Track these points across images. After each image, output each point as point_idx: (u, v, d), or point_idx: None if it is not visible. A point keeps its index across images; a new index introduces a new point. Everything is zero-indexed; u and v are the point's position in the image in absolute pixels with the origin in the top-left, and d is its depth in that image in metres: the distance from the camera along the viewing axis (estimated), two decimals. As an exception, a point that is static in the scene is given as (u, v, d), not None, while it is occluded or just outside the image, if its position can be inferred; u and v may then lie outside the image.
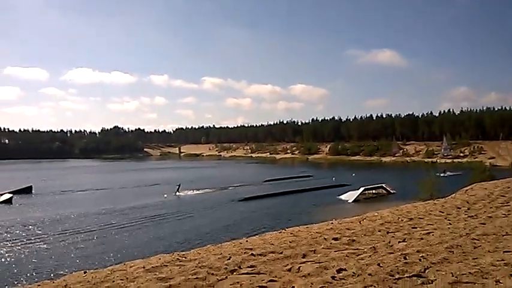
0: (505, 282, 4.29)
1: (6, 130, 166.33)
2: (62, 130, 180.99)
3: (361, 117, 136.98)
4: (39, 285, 5.76)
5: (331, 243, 7.03)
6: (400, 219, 9.44)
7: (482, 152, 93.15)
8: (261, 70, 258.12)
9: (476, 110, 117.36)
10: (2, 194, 39.41)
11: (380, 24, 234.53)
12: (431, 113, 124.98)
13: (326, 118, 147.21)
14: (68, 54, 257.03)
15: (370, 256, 5.83)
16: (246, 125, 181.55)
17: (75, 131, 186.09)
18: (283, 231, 9.18)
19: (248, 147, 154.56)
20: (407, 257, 5.47)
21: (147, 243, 22.24)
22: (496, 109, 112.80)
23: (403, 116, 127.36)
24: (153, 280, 5.20)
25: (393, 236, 7.43)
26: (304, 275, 5.09)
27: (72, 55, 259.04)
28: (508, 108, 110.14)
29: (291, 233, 8.63)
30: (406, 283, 4.51)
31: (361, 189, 37.59)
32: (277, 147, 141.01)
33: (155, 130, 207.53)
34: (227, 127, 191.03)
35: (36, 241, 22.80)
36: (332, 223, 9.87)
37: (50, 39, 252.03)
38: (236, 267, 5.57)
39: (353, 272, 4.96)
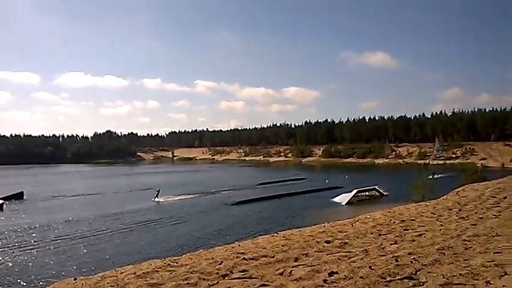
0: (495, 283, 4.31)
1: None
2: (54, 135, 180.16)
3: (354, 119, 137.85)
4: (28, 293, 5.70)
5: (323, 246, 7.02)
6: (392, 221, 9.46)
7: (474, 153, 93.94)
8: (253, 73, 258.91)
9: (468, 111, 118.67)
10: (-8, 201, 39.03)
11: (372, 26, 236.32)
12: (423, 114, 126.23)
13: (319, 121, 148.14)
14: (60, 58, 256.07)
15: (362, 259, 5.82)
16: (240, 128, 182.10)
17: (68, 135, 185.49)
18: (276, 234, 9.15)
19: (241, 151, 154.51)
20: (398, 259, 5.47)
21: (138, 248, 22.08)
22: (488, 110, 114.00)
23: (395, 118, 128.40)
24: (144, 286, 5.16)
25: (385, 238, 7.44)
26: (296, 278, 5.07)
27: (65, 59, 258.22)
28: (499, 109, 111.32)
29: (284, 237, 8.61)
30: (398, 285, 4.51)
31: (354, 191, 37.69)
32: (271, 150, 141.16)
33: (148, 134, 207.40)
34: (220, 130, 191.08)
35: (26, 248, 22.54)
36: (324, 226, 9.87)
37: (41, 43, 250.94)
38: (228, 272, 5.54)
39: (345, 275, 4.95)
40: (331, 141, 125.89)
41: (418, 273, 4.86)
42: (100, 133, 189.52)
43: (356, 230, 8.60)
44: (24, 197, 44.33)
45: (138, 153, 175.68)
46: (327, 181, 54.28)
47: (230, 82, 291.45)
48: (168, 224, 29.01)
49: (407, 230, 8.21)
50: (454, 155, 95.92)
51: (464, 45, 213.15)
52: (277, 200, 40.22)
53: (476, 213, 9.66)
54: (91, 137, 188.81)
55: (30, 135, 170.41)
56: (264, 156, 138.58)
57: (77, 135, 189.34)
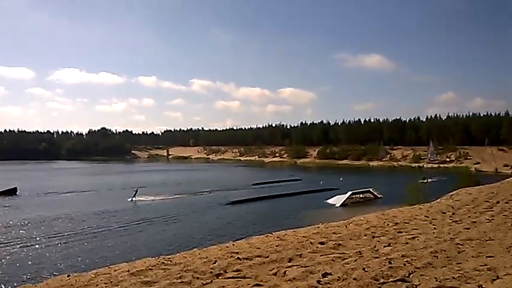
0: (487, 287, 4.35)
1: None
2: (48, 131, 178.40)
3: (349, 121, 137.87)
4: (21, 289, 5.67)
5: (317, 248, 7.04)
6: (385, 224, 9.51)
7: (468, 157, 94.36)
8: (249, 73, 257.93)
9: (463, 115, 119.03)
10: (-15, 196, 38.84)
11: (367, 28, 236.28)
12: (418, 118, 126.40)
13: (315, 122, 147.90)
14: (55, 54, 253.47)
15: (355, 260, 5.85)
16: (235, 128, 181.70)
17: (62, 132, 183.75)
18: (270, 235, 9.16)
19: (237, 150, 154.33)
20: (392, 262, 5.51)
21: (131, 246, 22.05)
22: (482, 115, 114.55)
23: (390, 120, 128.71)
24: (137, 284, 5.16)
25: (379, 241, 7.47)
26: (289, 279, 5.09)
27: (60, 55, 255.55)
28: (493, 114, 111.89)
29: (278, 237, 8.62)
30: (391, 287, 4.54)
31: (349, 193, 37.82)
32: (266, 151, 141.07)
33: (143, 132, 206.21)
34: (216, 130, 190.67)
35: (19, 244, 22.45)
36: (319, 227, 9.89)
37: (36, 38, 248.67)
38: (222, 271, 5.54)
39: (338, 277, 4.98)
40: (327, 142, 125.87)
41: (411, 275, 4.90)
42: (95, 130, 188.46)
43: (350, 232, 8.64)
44: (18, 193, 44.11)
45: (133, 151, 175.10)
46: (321, 182, 54.37)
47: (226, 82, 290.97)
48: (161, 223, 28.95)
49: (401, 232, 8.25)
50: (448, 159, 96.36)
51: (459, 49, 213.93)
52: (272, 201, 40.25)
53: (470, 217, 9.73)
54: (86, 133, 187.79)
55: (25, 131, 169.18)
56: (259, 157, 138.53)
57: (71, 131, 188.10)
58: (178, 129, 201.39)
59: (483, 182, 27.35)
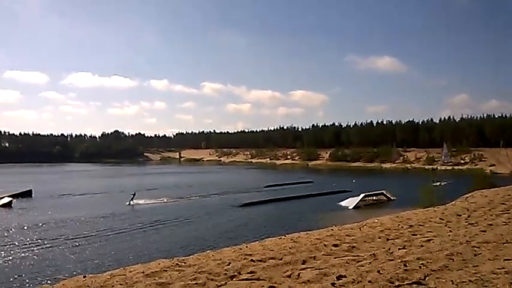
0: (505, 290, 4.29)
1: (7, 133, 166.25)
2: (62, 134, 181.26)
3: (362, 123, 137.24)
4: (38, 290, 5.75)
5: (331, 250, 7.01)
6: (400, 226, 9.42)
7: (483, 159, 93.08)
8: (260, 76, 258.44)
9: (477, 117, 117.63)
10: (1, 198, 39.42)
11: (378, 31, 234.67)
12: (431, 119, 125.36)
13: (326, 124, 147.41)
14: (68, 58, 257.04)
15: (370, 263, 5.81)
16: (246, 131, 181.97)
17: (76, 135, 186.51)
18: (283, 237, 9.15)
19: (248, 153, 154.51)
20: (407, 264, 5.46)
21: (145, 248, 22.20)
22: (497, 116, 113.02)
23: (403, 122, 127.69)
24: (152, 285, 5.19)
25: (393, 243, 7.41)
26: (304, 281, 5.08)
27: (72, 59, 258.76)
28: (508, 115, 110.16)
29: (291, 239, 8.61)
30: (406, 290, 4.50)
31: (362, 195, 37.58)
32: (277, 153, 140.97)
33: (155, 135, 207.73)
34: (227, 132, 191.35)
35: (34, 245, 22.75)
36: (332, 229, 9.84)
37: (50, 43, 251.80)
38: (236, 273, 5.55)
39: (353, 279, 4.95)
40: (339, 144, 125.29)
41: (427, 278, 4.84)
42: (108, 133, 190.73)
43: (364, 234, 8.58)
44: (33, 195, 44.73)
45: (145, 154, 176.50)
46: (334, 185, 54.14)
47: (237, 84, 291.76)
48: (174, 225, 29.10)
49: (416, 235, 8.17)
50: (462, 161, 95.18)
51: (473, 50, 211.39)
52: (284, 203, 40.21)
53: (486, 219, 9.59)
54: (99, 136, 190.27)
55: (39, 134, 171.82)
56: (270, 159, 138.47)
57: (85, 134, 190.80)
58: (190, 132, 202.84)
59: (499, 184, 26.93)
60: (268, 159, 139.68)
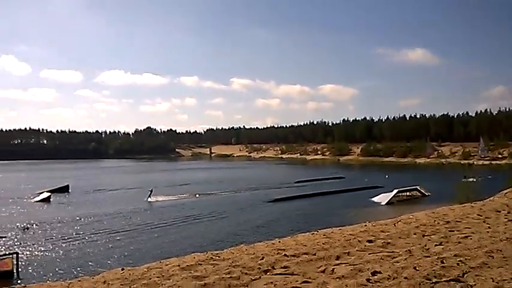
0: (549, 289, 4.14)
1: (45, 131, 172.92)
2: (97, 131, 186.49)
3: (394, 117, 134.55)
4: (79, 281, 5.96)
5: (365, 246, 6.94)
6: (436, 222, 9.21)
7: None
8: (289, 70, 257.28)
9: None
10: (40, 193, 41.07)
11: (410, 22, 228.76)
12: (467, 113, 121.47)
13: (357, 118, 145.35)
14: (101, 57, 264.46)
15: (405, 259, 5.72)
16: (276, 126, 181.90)
17: (110, 132, 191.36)
18: (316, 232, 9.11)
19: (278, 148, 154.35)
20: (444, 261, 5.34)
21: (179, 242, 22.62)
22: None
23: (437, 116, 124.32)
24: (188, 278, 5.29)
25: (429, 239, 7.26)
26: (338, 276, 5.05)
27: (105, 58, 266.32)
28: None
29: (324, 235, 8.56)
30: (444, 287, 4.42)
31: (395, 191, 36.87)
32: (308, 148, 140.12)
33: (186, 131, 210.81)
34: (257, 128, 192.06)
35: (74, 238, 23.62)
36: (366, 225, 9.72)
37: (83, 42, 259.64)
38: (269, 268, 5.58)
39: (388, 275, 4.89)
40: (370, 139, 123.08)
41: (466, 275, 4.73)
42: (140, 130, 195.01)
43: (399, 230, 8.44)
44: (70, 190, 46.31)
45: (177, 150, 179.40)
46: (366, 180, 53.41)
47: (266, 79, 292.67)
48: (206, 220, 29.48)
49: (453, 231, 7.97)
50: (500, 155, 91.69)
51: (509, 39, 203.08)
52: (315, 198, 40.01)
53: (527, 216, 9.25)
54: (132, 133, 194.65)
55: (75, 131, 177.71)
56: (300, 154, 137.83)
57: (118, 131, 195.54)
58: (220, 128, 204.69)
59: (540, 179, 25.83)
60: (298, 154, 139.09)
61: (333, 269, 5.42)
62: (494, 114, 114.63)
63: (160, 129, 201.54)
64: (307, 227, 19.30)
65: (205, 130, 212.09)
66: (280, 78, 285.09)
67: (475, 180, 34.02)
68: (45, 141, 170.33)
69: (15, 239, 23.27)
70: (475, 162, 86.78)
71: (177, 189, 47.33)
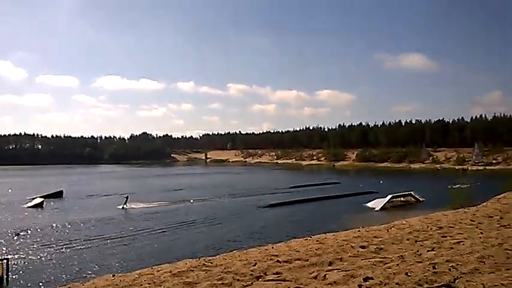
0: (539, 294, 4.15)
1: (40, 136, 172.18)
2: (92, 136, 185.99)
3: (390, 123, 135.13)
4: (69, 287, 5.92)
5: (358, 251, 6.94)
6: (429, 228, 9.23)
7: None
8: (285, 76, 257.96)
9: (510, 115, 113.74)
10: (34, 198, 40.77)
11: (408, 27, 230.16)
12: (462, 118, 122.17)
13: (353, 124, 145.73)
14: (97, 62, 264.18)
15: (397, 265, 5.72)
16: (272, 131, 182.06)
17: (105, 137, 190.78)
18: (309, 238, 9.12)
19: (274, 154, 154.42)
20: (436, 267, 5.35)
21: (172, 248, 22.47)
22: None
23: (433, 121, 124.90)
24: (179, 284, 5.27)
25: (422, 245, 7.27)
26: (330, 283, 5.04)
27: (101, 63, 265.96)
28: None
29: (317, 241, 8.56)
30: (435, 293, 4.41)
31: (389, 196, 36.92)
32: (303, 154, 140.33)
33: (182, 136, 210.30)
34: (253, 133, 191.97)
35: (65, 244, 23.38)
36: (359, 231, 9.74)
37: (79, 48, 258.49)
38: (262, 274, 5.57)
39: (380, 281, 4.88)
40: (366, 145, 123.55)
41: (457, 281, 4.73)
42: (136, 135, 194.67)
43: (392, 236, 8.45)
44: (63, 196, 45.99)
45: (172, 155, 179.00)
46: (360, 186, 53.48)
47: (262, 85, 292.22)
48: (199, 225, 29.35)
49: (445, 237, 7.99)
50: (494, 161, 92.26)
51: (506, 46, 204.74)
52: (310, 204, 39.97)
53: (519, 221, 9.29)
54: (128, 138, 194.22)
55: (70, 136, 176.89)
56: (296, 160, 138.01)
57: (114, 136, 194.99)
58: (216, 133, 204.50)
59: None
60: (293, 160, 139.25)
61: (325, 275, 5.42)
62: (489, 119, 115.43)
63: (156, 135, 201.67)
64: (301, 233, 19.28)
65: (201, 135, 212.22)
66: (277, 83, 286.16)
67: (462, 187, 33.75)
68: (40, 146, 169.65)
69: (6, 245, 23.01)
70: (469, 168, 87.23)
71: (173, 194, 47.17)
